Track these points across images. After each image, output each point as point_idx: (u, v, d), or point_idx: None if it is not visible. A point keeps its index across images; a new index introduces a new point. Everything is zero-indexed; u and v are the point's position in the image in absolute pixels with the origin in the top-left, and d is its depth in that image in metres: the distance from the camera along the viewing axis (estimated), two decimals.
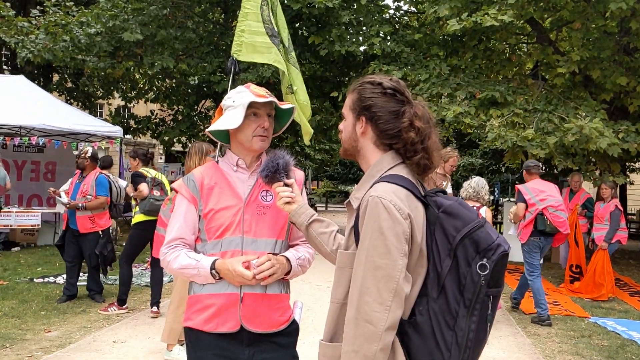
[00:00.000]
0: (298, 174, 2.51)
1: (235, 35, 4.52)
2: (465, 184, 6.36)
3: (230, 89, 4.31)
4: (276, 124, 2.46)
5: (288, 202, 2.21)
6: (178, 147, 17.80)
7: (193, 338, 2.32)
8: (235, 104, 2.31)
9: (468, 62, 11.18)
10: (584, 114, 8.72)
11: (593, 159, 9.81)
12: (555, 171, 23.90)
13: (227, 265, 2.20)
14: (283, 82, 4.81)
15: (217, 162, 2.46)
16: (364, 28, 12.86)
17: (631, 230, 17.23)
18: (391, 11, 13.62)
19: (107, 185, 6.76)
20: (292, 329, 2.40)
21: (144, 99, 17.26)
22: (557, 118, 9.09)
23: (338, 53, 11.18)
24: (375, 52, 11.14)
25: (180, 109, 16.44)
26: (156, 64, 12.28)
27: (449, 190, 6.85)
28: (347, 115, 1.93)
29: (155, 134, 16.70)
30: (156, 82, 16.48)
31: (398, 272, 1.65)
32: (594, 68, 10.03)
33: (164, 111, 17.55)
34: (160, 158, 30.00)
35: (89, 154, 6.70)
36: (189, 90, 16.30)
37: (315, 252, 2.42)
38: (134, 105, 18.01)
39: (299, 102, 4.75)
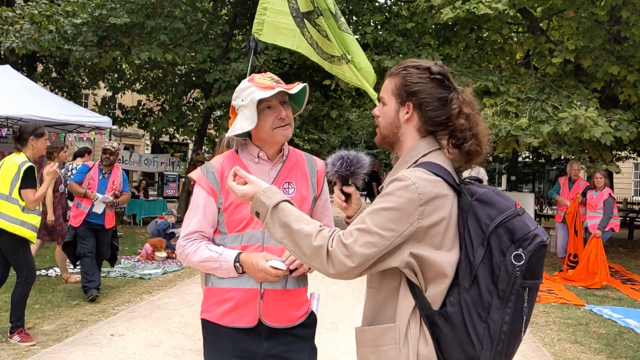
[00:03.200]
0: (319, 163, 2.45)
1: (257, 13, 4.33)
2: (465, 173, 6.33)
3: (249, 71, 4.21)
4: (294, 103, 2.39)
5: (343, 208, 2.12)
6: (166, 137, 17.60)
7: (211, 331, 2.28)
8: (245, 103, 2.23)
9: (461, 52, 11.16)
10: (579, 102, 8.75)
11: (586, 148, 9.85)
12: (542, 160, 24.17)
13: (251, 259, 2.15)
14: (327, 52, 4.56)
15: (237, 152, 2.40)
16: (355, 17, 12.79)
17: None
18: (382, 0, 13.54)
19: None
20: (311, 321, 2.36)
21: (131, 89, 17.04)
22: (550, 107, 9.11)
23: None
24: (367, 41, 11.06)
25: (167, 99, 16.26)
26: (144, 53, 12.10)
27: None
28: (387, 101, 1.84)
29: (143, 125, 16.52)
30: (143, 72, 16.28)
31: (378, 247, 1.63)
32: (586, 57, 10.07)
33: (152, 101, 17.36)
34: (147, 149, 29.75)
35: (118, 148, 6.59)
36: (177, 80, 16.12)
37: None
38: (120, 96, 17.79)
39: (360, 70, 4.54)
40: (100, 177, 6.51)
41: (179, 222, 12.19)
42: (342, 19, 4.40)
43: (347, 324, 5.70)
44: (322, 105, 12.33)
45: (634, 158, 20.37)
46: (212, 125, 16.78)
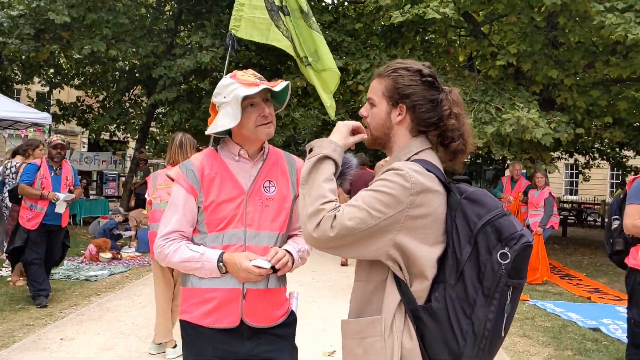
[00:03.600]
0: (298, 162, 2.46)
1: (234, 9, 4.27)
2: None
3: (226, 68, 4.14)
4: (275, 101, 2.38)
5: None
6: (106, 135, 17.05)
7: (191, 332, 2.24)
8: (227, 99, 2.19)
9: (407, 53, 11.37)
10: (522, 104, 9.10)
11: (526, 149, 10.25)
12: (479, 160, 24.92)
13: (234, 259, 2.13)
14: (296, 51, 4.45)
15: (217, 150, 2.36)
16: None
17: None
18: (329, 0, 13.63)
19: None
20: (291, 320, 2.37)
21: (69, 85, 16.42)
22: (493, 108, 9.43)
23: None
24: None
25: (108, 96, 15.77)
26: (85, 47, 11.69)
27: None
28: (378, 102, 1.86)
29: (82, 122, 15.97)
30: (83, 68, 15.72)
31: (364, 225, 1.65)
32: (526, 61, 10.47)
33: (91, 97, 16.79)
34: (83, 147, 28.72)
35: (62, 142, 6.20)
36: (119, 76, 15.66)
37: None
38: (59, 92, 17.11)
39: (326, 71, 4.44)
40: (52, 174, 6.12)
41: (125, 221, 11.86)
42: (313, 19, 4.38)
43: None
44: None
45: (565, 158, 21.33)
46: (155, 122, 16.41)
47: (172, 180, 2.31)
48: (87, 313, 5.90)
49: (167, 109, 14.57)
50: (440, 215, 1.72)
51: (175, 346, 4.63)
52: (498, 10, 10.63)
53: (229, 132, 2.35)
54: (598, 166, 22.03)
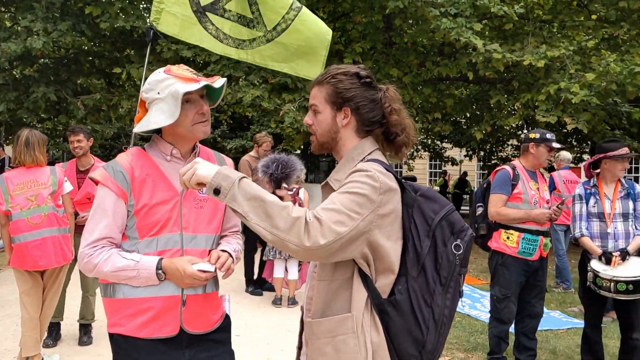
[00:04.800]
0: (228, 161, 2.40)
1: (155, 0, 3.89)
2: None
3: (147, 62, 3.77)
4: (208, 98, 2.29)
5: None
6: None
7: (125, 346, 2.10)
8: (162, 96, 2.08)
9: None
10: None
11: None
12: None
13: (176, 265, 2.02)
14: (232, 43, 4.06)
15: (145, 149, 2.20)
16: (143, 3, 12.18)
17: None
18: None
19: None
20: (227, 324, 2.33)
21: None
22: None
23: (122, 28, 10.41)
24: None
25: None
26: None
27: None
28: (322, 109, 1.92)
29: None
30: None
31: (347, 225, 1.68)
32: (367, 59, 11.08)
33: None
34: None
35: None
36: None
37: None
38: None
39: (307, 40, 4.01)
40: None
41: None
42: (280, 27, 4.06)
43: None
44: (110, 95, 11.54)
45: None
46: None
47: (97, 182, 2.12)
48: None
49: None
50: (399, 212, 1.82)
51: None
52: (344, 9, 11.07)
53: (158, 131, 2.22)
54: (420, 157, 24.08)
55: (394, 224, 1.80)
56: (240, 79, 10.03)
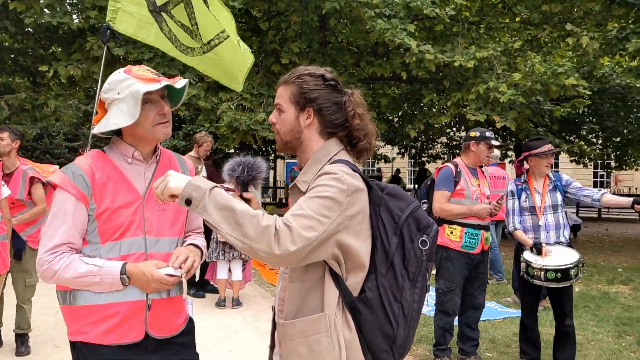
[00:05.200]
0: (189, 164, 2.38)
1: (111, 0, 3.71)
2: (226, 167, 6.50)
3: (103, 62, 3.60)
4: (169, 100, 2.25)
5: None
6: None
7: (89, 354, 2.05)
8: (122, 96, 2.04)
9: None
10: None
11: None
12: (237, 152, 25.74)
13: (141, 269, 1.99)
14: (182, 46, 3.93)
15: (104, 151, 2.15)
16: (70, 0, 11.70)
17: None
18: None
19: None
20: (191, 327, 2.32)
21: None
22: None
23: (47, 24, 9.97)
24: (92, 25, 10.24)
25: None
26: None
27: (204, 173, 6.89)
28: (286, 108, 1.94)
29: None
30: None
31: (319, 230, 1.71)
32: (304, 59, 11.13)
33: None
34: None
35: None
36: None
37: None
38: None
39: (242, 52, 3.94)
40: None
41: None
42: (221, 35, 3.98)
43: None
44: (36, 94, 11.01)
45: None
46: None
47: (55, 187, 2.05)
48: None
49: None
50: (367, 211, 1.87)
51: None
52: (280, 8, 11.06)
53: (117, 132, 2.17)
54: None
55: (363, 223, 1.84)
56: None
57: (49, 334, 5.37)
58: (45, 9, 10.20)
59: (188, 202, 1.67)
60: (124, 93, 2.03)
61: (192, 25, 3.91)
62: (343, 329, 1.81)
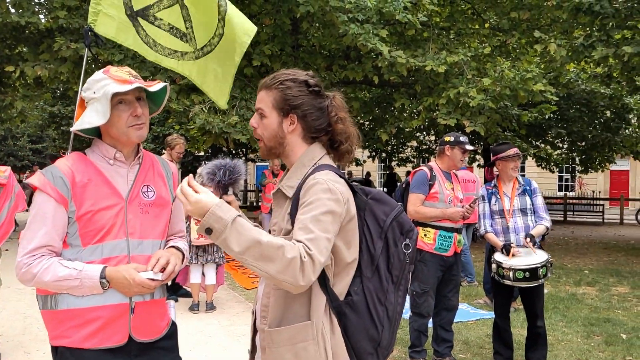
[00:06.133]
0: (172, 167, 2.37)
1: (92, 1, 3.63)
2: (200, 170, 6.45)
3: (84, 65, 3.52)
4: (151, 103, 2.24)
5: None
6: None
7: (71, 358, 2.01)
8: (97, 95, 2.04)
9: None
10: None
11: None
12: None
13: (122, 273, 1.97)
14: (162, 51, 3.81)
15: (85, 153, 2.12)
16: None
17: None
18: None
19: None
20: (173, 330, 2.31)
21: None
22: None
23: (15, 24, 9.76)
24: (61, 25, 10.08)
25: None
26: None
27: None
28: (268, 113, 1.92)
29: None
30: None
31: (326, 242, 1.73)
32: (276, 61, 11.13)
33: None
34: None
35: None
36: None
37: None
38: None
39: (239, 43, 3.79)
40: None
41: None
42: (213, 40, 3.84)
43: None
44: (3, 95, 10.76)
45: None
46: None
47: (35, 188, 2.02)
48: None
49: None
50: (355, 216, 1.88)
51: None
52: (246, 10, 11.03)
53: (98, 134, 2.15)
54: None
55: (353, 229, 1.86)
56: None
57: (18, 340, 5.24)
58: (11, 8, 9.99)
59: (208, 231, 1.63)
60: (99, 93, 2.03)
61: (187, 29, 3.85)
62: (330, 335, 1.81)
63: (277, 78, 1.94)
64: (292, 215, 1.83)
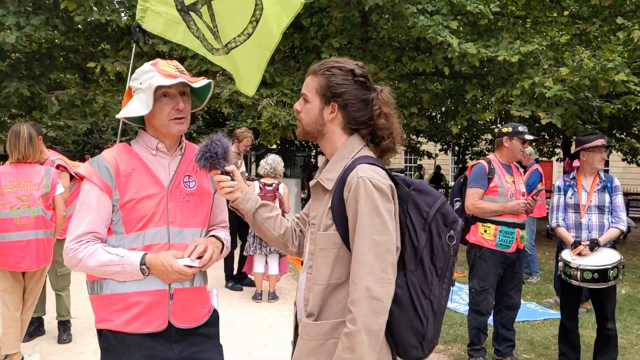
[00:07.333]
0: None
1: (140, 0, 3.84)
2: (262, 162, 6.58)
3: (132, 59, 3.74)
4: (195, 98, 2.30)
5: (231, 192, 2.09)
6: None
7: (114, 341, 2.11)
8: (143, 86, 2.11)
9: None
10: None
11: None
12: (293, 148, 25.88)
13: (161, 260, 2.04)
14: (209, 45, 3.98)
15: (130, 144, 2.21)
16: None
17: None
18: None
19: None
20: (215, 318, 2.35)
21: None
22: None
23: (97, 22, 10.27)
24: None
25: None
26: None
27: (243, 169, 6.98)
28: (311, 99, 1.93)
29: None
30: None
31: (393, 246, 1.77)
32: (345, 55, 11.10)
33: None
34: None
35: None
36: None
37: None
38: None
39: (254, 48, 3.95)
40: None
41: None
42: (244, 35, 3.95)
43: None
44: (86, 90, 11.38)
45: None
46: None
47: (82, 178, 2.13)
48: None
49: None
50: (398, 207, 1.85)
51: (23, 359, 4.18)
52: (316, 4, 11.07)
53: (143, 125, 2.24)
54: (396, 151, 24.13)
55: (397, 219, 1.84)
56: (218, 74, 9.97)
57: (89, 322, 5.53)
58: (94, 7, 10.51)
59: None
60: (145, 84, 2.11)
61: (213, 27, 3.93)
62: None
63: (324, 64, 1.94)
64: (333, 209, 1.84)
